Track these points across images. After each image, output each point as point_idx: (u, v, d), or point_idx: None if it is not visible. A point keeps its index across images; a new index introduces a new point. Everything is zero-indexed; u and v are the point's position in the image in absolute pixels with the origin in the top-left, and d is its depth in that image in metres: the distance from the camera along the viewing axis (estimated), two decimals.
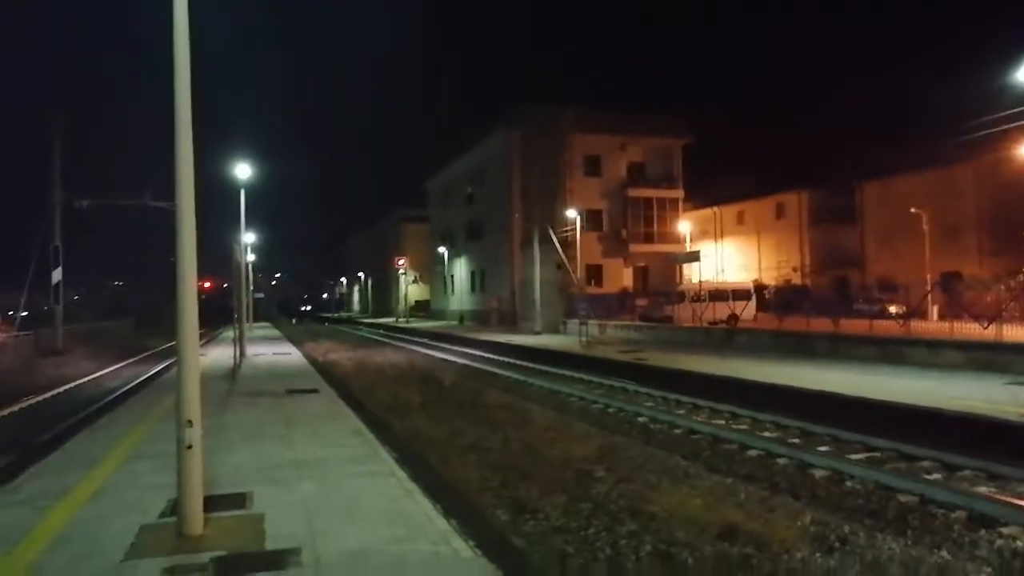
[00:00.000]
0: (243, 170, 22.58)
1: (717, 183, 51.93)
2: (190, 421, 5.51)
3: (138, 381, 21.06)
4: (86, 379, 22.53)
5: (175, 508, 5.72)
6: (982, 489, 8.30)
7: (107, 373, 24.69)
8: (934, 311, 25.87)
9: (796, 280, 44.64)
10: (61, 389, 19.91)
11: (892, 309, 25.24)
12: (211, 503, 6.02)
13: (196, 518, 5.58)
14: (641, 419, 13.40)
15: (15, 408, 16.36)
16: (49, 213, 29.16)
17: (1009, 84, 14.49)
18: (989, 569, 6.03)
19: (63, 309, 30.46)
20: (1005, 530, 6.97)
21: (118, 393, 18.60)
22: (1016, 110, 16.62)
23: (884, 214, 40.18)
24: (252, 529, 5.72)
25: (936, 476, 9.00)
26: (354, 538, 5.49)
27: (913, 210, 35.37)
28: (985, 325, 18.27)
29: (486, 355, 28.17)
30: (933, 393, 12.74)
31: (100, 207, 31.32)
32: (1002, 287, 19.69)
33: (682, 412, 14.02)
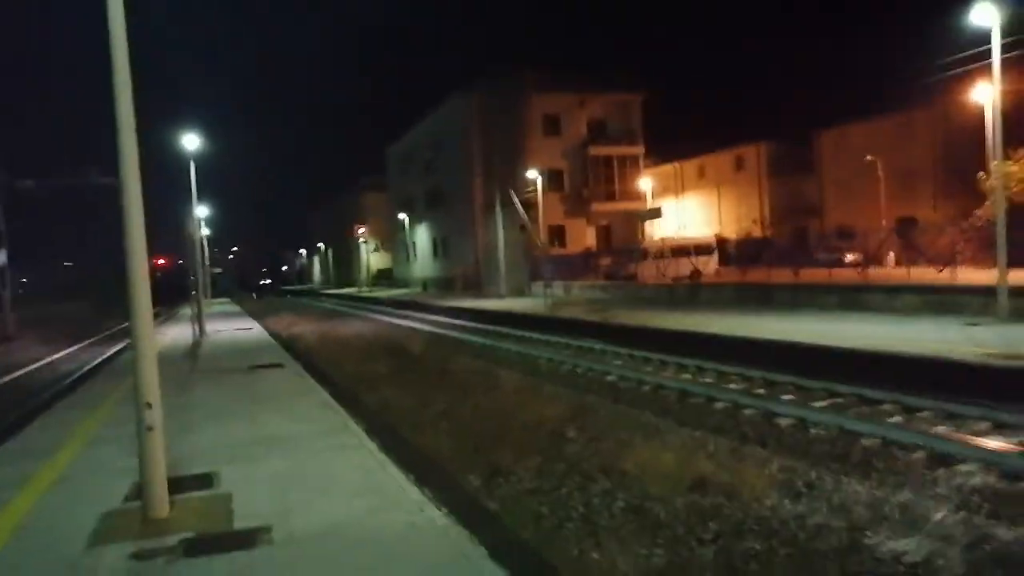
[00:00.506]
0: (192, 140, 21.87)
1: (678, 138, 52.11)
2: (149, 403, 5.34)
3: (95, 363, 20.55)
4: (40, 364, 21.92)
5: (140, 492, 5.57)
6: (940, 429, 8.54)
7: (62, 356, 24.05)
8: (890, 257, 26.46)
9: (757, 232, 45.24)
10: (17, 374, 19.34)
11: (850, 257, 25.72)
12: (177, 484, 5.88)
13: (161, 500, 5.44)
14: (610, 378, 13.49)
15: None
16: None
17: (960, 26, 14.59)
18: (950, 505, 6.21)
19: (14, 293, 29.46)
20: (962, 467, 7.19)
21: (75, 376, 18.13)
22: (964, 54, 16.80)
23: (841, 163, 40.74)
24: (220, 509, 5.61)
25: (897, 419, 9.24)
26: (326, 513, 5.41)
27: (869, 157, 35.93)
28: (940, 268, 18.75)
29: (452, 321, 28.10)
30: (892, 337, 13.04)
31: (51, 186, 30.08)
32: (956, 230, 20.14)
33: (650, 369, 14.16)
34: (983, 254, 18.27)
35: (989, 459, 7.22)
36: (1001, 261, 14.23)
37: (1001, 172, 15.49)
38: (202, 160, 23.55)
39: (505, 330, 22.76)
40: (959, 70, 17.40)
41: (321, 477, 6.34)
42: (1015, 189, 20.85)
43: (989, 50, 14.47)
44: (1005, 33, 14.31)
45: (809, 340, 13.56)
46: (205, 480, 6.37)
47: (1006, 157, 18.29)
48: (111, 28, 5.27)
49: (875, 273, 21.80)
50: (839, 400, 10.40)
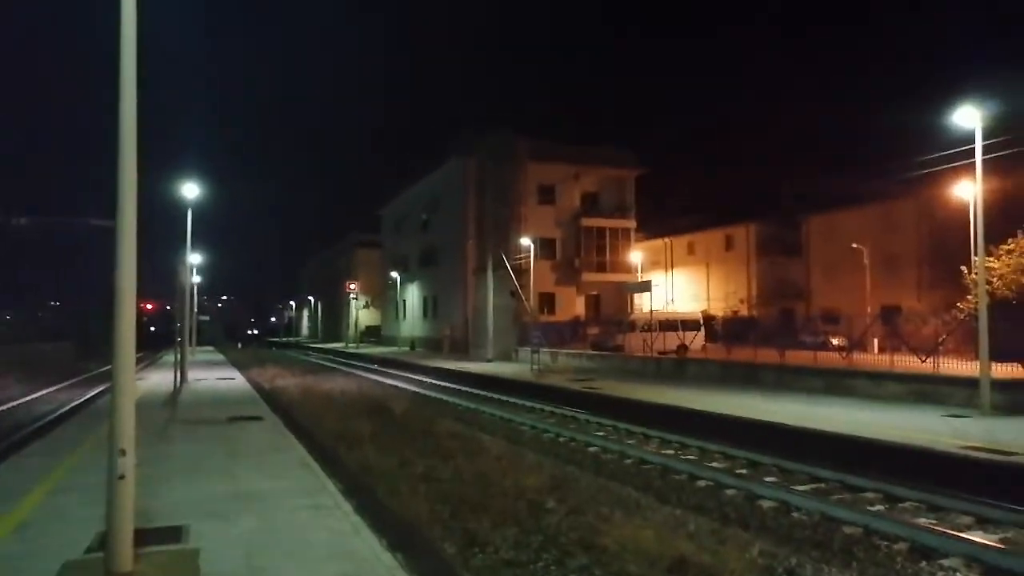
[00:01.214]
0: (191, 189, 22.07)
1: (669, 214, 53.03)
2: (123, 450, 5.23)
3: (71, 406, 20.15)
4: (13, 404, 21.45)
5: (103, 543, 5.40)
6: (923, 520, 8.46)
7: (38, 397, 23.57)
8: (874, 343, 26.64)
9: (744, 311, 45.53)
10: None
11: (835, 341, 25.88)
12: (143, 537, 5.71)
13: (126, 553, 5.26)
14: (592, 449, 13.35)
15: None
16: None
17: (947, 124, 15.07)
18: None
19: None
20: (945, 562, 7.10)
21: (48, 419, 17.74)
22: (953, 151, 17.31)
23: (828, 247, 41.44)
24: (186, 565, 5.44)
25: (879, 507, 9.15)
26: (295, 575, 5.26)
27: (855, 245, 36.60)
28: (923, 358, 18.86)
29: (437, 382, 27.87)
30: (876, 424, 13.03)
31: (45, 225, 30.11)
32: (939, 321, 20.35)
33: (633, 442, 14.03)
34: (966, 346, 18.43)
35: (973, 554, 7.14)
36: (983, 355, 14.36)
37: (983, 268, 15.78)
38: (196, 208, 23.71)
39: (490, 394, 22.57)
40: (943, 167, 17.91)
41: (293, 538, 6.18)
42: (997, 284, 21.20)
43: (971, 149, 14.97)
44: (987, 134, 14.82)
45: (793, 422, 13.52)
46: (173, 534, 6.19)
47: (988, 253, 18.67)
48: (122, 75, 5.41)
49: (860, 359, 21.90)
50: (822, 485, 10.32)
